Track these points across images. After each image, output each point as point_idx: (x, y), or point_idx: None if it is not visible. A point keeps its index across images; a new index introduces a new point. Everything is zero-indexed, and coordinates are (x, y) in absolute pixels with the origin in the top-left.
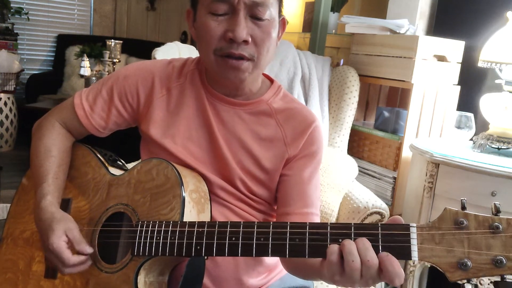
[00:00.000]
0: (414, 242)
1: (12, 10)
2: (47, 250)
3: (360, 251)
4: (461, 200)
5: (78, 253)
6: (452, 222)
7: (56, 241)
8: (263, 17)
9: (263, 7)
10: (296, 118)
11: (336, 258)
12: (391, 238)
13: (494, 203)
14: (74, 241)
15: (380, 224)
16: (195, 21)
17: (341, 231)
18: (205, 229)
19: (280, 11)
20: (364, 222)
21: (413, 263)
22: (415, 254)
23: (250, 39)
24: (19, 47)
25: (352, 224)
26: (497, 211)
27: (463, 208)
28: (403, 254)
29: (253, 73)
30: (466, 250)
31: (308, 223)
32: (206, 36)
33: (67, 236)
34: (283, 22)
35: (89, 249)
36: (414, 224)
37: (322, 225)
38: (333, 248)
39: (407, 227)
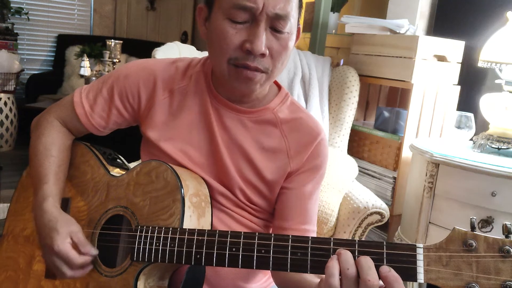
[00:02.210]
0: (420, 264)
1: (12, 10)
2: (50, 253)
3: (362, 269)
4: (471, 219)
5: (83, 255)
6: (460, 244)
7: (61, 243)
8: (283, 30)
9: (284, 20)
10: (301, 130)
11: (336, 271)
12: (396, 258)
13: (505, 224)
14: (79, 244)
15: (386, 243)
16: (209, 22)
17: (345, 247)
18: (205, 237)
19: (298, 21)
20: (365, 223)
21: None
22: (421, 276)
23: (267, 52)
24: (19, 47)
25: (356, 241)
26: (508, 232)
27: (473, 228)
28: (408, 275)
29: (265, 85)
30: (475, 274)
31: (310, 237)
32: (221, 43)
33: (72, 239)
34: (298, 31)
35: (94, 251)
36: (421, 245)
37: (325, 240)
38: (332, 261)
39: (413, 247)
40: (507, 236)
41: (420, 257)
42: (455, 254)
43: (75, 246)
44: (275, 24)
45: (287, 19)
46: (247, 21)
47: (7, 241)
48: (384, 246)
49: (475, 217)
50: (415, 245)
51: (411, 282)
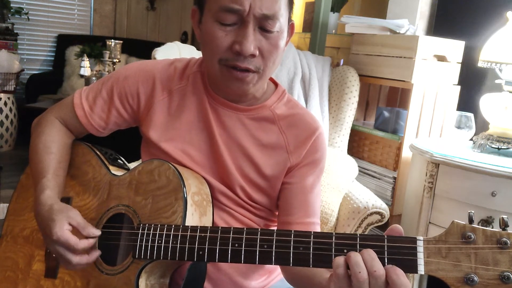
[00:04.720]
0: (420, 256)
1: (12, 10)
2: (51, 243)
3: (366, 262)
4: (469, 213)
5: (86, 239)
6: (459, 236)
7: (59, 231)
8: (272, 29)
9: (273, 20)
10: (299, 125)
11: (343, 271)
12: (397, 250)
13: (502, 217)
14: (79, 227)
15: (387, 236)
16: (201, 24)
17: (346, 241)
18: (208, 234)
19: (289, 18)
20: (365, 223)
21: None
22: (421, 267)
23: (257, 52)
24: (19, 47)
25: (358, 235)
26: (505, 225)
27: (471, 221)
28: (409, 267)
29: (257, 84)
30: (473, 265)
31: (312, 232)
32: (212, 45)
33: (70, 224)
34: (291, 27)
35: (96, 231)
36: (421, 237)
37: (327, 235)
38: (339, 261)
39: (413, 240)
40: (504, 229)
41: (420, 249)
42: (454, 246)
43: (75, 231)
44: (264, 24)
45: (275, 18)
46: (235, 23)
47: (6, 241)
48: (385, 239)
49: (473, 211)
50: (416, 238)
51: (411, 279)
